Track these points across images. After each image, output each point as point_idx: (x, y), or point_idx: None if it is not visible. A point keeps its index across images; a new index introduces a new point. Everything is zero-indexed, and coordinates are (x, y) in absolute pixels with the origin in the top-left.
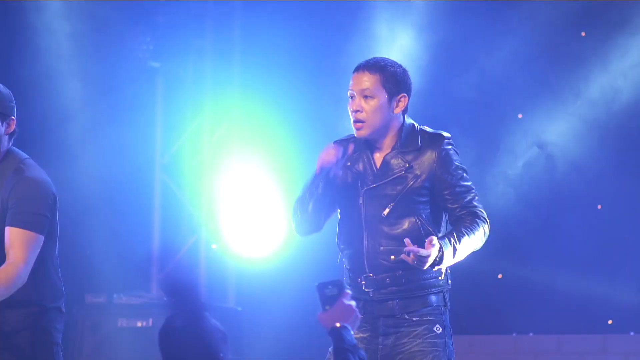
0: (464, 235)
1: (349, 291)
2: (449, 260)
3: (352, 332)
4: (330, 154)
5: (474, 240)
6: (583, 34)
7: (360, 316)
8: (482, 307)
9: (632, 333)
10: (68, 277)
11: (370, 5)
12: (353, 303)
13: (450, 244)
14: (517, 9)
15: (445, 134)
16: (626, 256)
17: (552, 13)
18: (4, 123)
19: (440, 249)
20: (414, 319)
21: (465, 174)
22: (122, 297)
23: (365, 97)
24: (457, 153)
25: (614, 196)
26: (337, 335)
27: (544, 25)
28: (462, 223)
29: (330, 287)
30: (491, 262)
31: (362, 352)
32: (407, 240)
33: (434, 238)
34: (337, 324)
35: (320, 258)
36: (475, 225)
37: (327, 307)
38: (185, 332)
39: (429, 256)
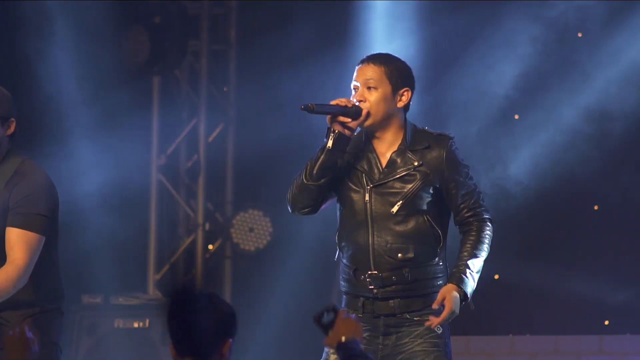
0: (476, 257)
1: (344, 309)
2: (472, 288)
3: (359, 342)
4: (341, 100)
5: (485, 254)
6: (580, 34)
7: (362, 325)
8: (478, 308)
9: (628, 334)
10: (65, 278)
11: (366, 5)
12: (352, 316)
13: (467, 276)
14: (512, 10)
15: (450, 134)
16: (623, 257)
17: (548, 14)
18: (4, 125)
19: (462, 290)
20: (415, 318)
21: (470, 173)
22: (119, 297)
23: (369, 87)
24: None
25: (610, 197)
26: (345, 348)
27: (540, 26)
28: (469, 236)
29: (325, 314)
30: (488, 263)
31: (371, 356)
32: (427, 324)
33: (445, 296)
34: (343, 339)
35: (317, 258)
36: (482, 236)
37: (330, 332)
38: (202, 304)
39: (453, 313)
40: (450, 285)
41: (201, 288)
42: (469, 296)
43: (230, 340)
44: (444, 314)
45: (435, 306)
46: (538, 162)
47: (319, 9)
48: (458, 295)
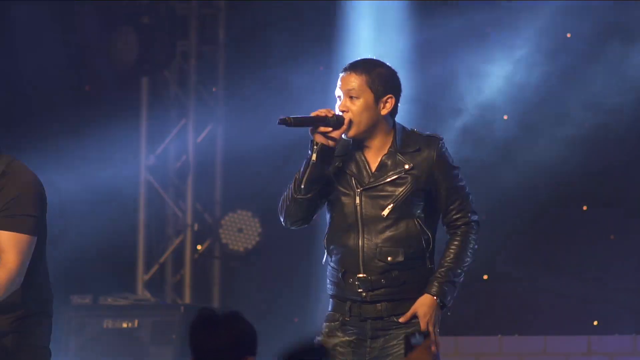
0: (458, 262)
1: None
2: (452, 296)
3: None
4: (321, 110)
5: (469, 259)
6: (569, 35)
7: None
8: (467, 308)
9: (617, 334)
10: (54, 278)
11: (356, 5)
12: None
13: (446, 284)
14: (502, 11)
15: (439, 136)
16: (611, 257)
17: (537, 14)
18: None
19: (439, 299)
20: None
21: (460, 174)
22: (108, 298)
23: (351, 97)
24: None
25: (599, 198)
26: None
27: (530, 27)
28: (454, 240)
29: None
30: (476, 263)
31: None
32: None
33: (416, 311)
34: None
35: (305, 259)
36: (468, 240)
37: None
38: (222, 323)
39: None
40: (425, 297)
41: (223, 307)
42: (446, 304)
43: (250, 358)
44: (422, 329)
45: (402, 320)
46: (527, 163)
47: (308, 9)
48: (433, 306)
